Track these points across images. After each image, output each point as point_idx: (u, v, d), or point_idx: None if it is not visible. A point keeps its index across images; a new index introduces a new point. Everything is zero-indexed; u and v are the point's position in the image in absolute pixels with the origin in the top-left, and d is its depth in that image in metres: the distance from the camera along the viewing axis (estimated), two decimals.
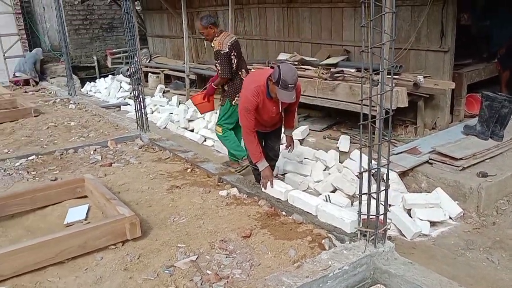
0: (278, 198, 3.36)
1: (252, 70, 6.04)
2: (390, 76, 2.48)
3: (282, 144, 4.52)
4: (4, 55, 10.33)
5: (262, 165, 3.67)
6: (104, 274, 2.52)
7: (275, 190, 3.43)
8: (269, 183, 3.54)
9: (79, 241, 2.69)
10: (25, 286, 2.47)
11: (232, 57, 4.86)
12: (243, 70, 5.04)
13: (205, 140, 6.75)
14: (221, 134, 5.13)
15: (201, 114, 6.24)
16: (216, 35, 4.90)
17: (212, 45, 4.97)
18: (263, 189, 3.56)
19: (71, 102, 7.82)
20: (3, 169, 4.32)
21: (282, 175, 5.11)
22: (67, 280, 2.49)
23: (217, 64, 4.92)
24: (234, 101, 4.97)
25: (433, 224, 3.85)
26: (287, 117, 4.14)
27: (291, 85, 3.41)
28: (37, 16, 11.83)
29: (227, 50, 4.80)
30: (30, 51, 10.81)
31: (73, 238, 2.68)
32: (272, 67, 3.82)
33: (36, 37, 11.72)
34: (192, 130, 7.11)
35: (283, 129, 4.30)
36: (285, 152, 4.72)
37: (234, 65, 4.92)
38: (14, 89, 9.71)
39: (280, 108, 3.79)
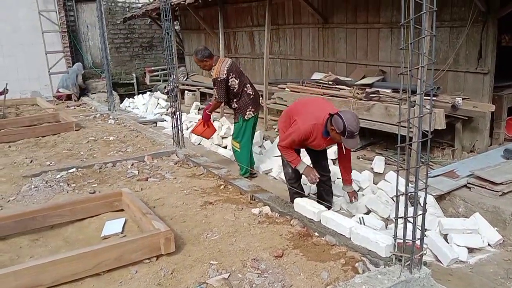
0: (310, 218, 3.34)
1: (301, 95, 6.02)
2: (429, 98, 2.45)
3: None
4: (49, 71, 10.83)
5: (302, 166, 3.97)
6: None
7: (308, 210, 3.41)
8: (315, 175, 3.89)
9: (116, 254, 2.76)
10: None
11: (231, 79, 5.30)
12: (248, 85, 5.48)
13: None
14: (239, 151, 5.59)
15: (208, 139, 6.61)
16: (214, 64, 5.33)
17: (212, 73, 5.40)
18: (310, 184, 3.97)
19: (110, 117, 8.09)
20: (45, 180, 4.49)
21: (314, 194, 5.07)
22: None
23: (214, 90, 5.35)
24: (246, 116, 5.45)
25: (470, 250, 3.72)
26: (343, 167, 4.10)
27: (356, 133, 3.54)
28: (81, 34, 12.39)
29: (224, 76, 5.23)
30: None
31: (110, 251, 2.75)
32: (330, 114, 3.70)
33: (79, 54, 12.25)
34: (225, 147, 7.19)
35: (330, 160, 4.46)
36: None
37: (237, 85, 5.35)
38: (57, 104, 10.15)
39: (330, 143, 3.95)
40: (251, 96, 5.47)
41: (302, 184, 4.49)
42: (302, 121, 3.80)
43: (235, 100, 5.42)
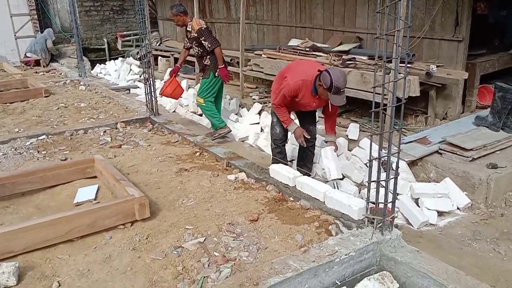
0: (286, 184, 3.36)
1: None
2: (403, 65, 2.45)
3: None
4: (15, 35, 10.34)
5: (293, 127, 4.15)
6: (113, 253, 2.55)
7: (283, 176, 3.42)
8: (304, 138, 4.10)
9: (89, 220, 2.72)
10: (35, 262, 2.51)
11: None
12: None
13: None
14: (204, 105, 5.80)
15: (177, 99, 6.78)
16: (189, 20, 5.62)
17: (189, 29, 5.65)
18: (301, 144, 4.14)
19: (81, 83, 7.85)
20: (14, 148, 4.37)
21: (290, 161, 5.10)
22: (76, 258, 2.53)
23: (202, 41, 5.53)
24: (216, 73, 5.70)
25: (440, 214, 3.85)
26: (328, 121, 4.28)
27: (342, 90, 3.68)
28: None
29: (205, 26, 5.55)
30: (41, 32, 10.81)
31: (83, 217, 2.71)
32: (319, 71, 3.87)
33: (47, 18, 11.71)
34: (200, 115, 7.10)
35: (317, 115, 4.54)
36: (292, 138, 4.73)
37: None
38: (25, 69, 9.75)
39: (320, 104, 4.07)
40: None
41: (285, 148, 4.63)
42: (291, 78, 3.94)
43: (208, 56, 5.65)
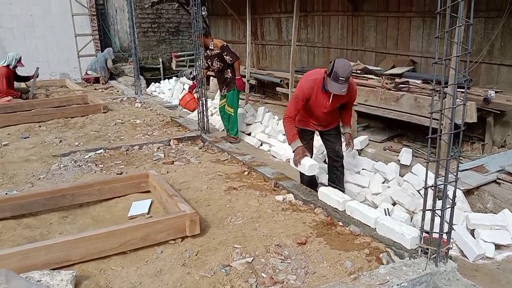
0: (335, 208, 3.32)
1: None
2: (462, 90, 2.39)
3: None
4: (78, 54, 11.00)
5: (295, 145, 3.93)
6: (164, 268, 2.61)
7: (332, 199, 3.38)
8: (300, 159, 3.82)
9: (142, 233, 2.81)
10: (90, 272, 2.61)
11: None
12: None
13: (261, 145, 6.82)
14: (233, 115, 6.70)
15: (191, 111, 6.98)
16: (211, 41, 6.40)
17: (211, 47, 6.41)
18: (294, 166, 3.95)
19: (137, 101, 8.18)
20: (74, 160, 4.60)
21: (320, 183, 5.02)
22: (129, 270, 2.61)
23: (224, 56, 6.38)
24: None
25: (498, 247, 3.65)
26: (343, 114, 4.27)
27: (342, 78, 3.59)
28: (109, 18, 12.52)
29: (225, 44, 6.49)
30: (102, 51, 11.44)
31: (137, 231, 2.80)
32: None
33: (107, 37, 12.39)
34: (249, 134, 7.20)
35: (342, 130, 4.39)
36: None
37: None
38: (85, 86, 10.31)
39: (332, 103, 3.90)
40: None
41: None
42: (303, 80, 3.98)
43: (229, 70, 6.49)
